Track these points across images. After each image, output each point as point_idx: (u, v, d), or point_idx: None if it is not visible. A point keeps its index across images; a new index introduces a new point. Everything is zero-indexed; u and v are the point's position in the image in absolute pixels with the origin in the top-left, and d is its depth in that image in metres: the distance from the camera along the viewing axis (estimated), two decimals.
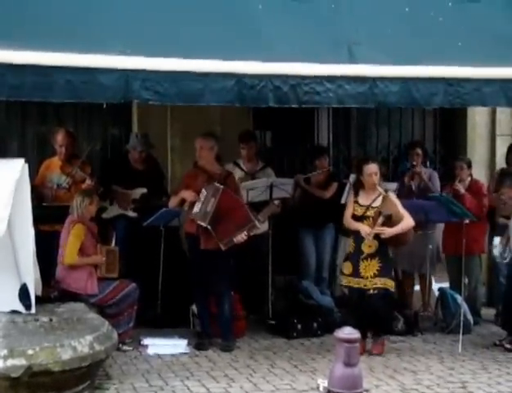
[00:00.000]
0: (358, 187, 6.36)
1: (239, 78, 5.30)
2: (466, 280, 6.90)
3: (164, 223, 6.83)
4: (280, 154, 8.16)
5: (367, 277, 6.18)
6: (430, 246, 7.22)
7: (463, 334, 6.52)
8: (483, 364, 6.05)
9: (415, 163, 7.32)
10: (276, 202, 7.10)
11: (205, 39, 5.55)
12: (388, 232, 6.12)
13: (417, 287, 7.58)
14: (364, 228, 6.17)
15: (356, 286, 6.23)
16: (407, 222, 6.18)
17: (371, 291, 6.16)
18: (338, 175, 7.73)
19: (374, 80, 5.52)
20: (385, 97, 5.56)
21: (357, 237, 6.24)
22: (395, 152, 8.32)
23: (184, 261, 6.90)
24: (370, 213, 6.23)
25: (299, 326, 6.82)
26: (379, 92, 5.53)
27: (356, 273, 6.22)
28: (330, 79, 5.43)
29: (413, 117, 8.36)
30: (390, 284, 6.23)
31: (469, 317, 7.00)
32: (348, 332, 5.06)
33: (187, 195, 6.28)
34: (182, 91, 5.12)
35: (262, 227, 6.92)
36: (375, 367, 5.92)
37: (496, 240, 6.53)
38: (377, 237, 6.16)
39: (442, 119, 8.39)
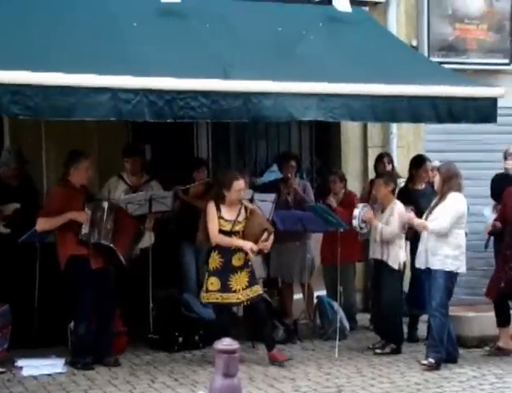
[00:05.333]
0: (219, 201, 6.32)
1: (114, 92, 5.29)
2: (341, 287, 7.14)
3: (40, 239, 6.65)
4: (160, 166, 8.15)
5: (239, 290, 6.26)
6: (308, 255, 7.43)
7: (339, 340, 6.76)
8: (358, 368, 6.28)
9: (289, 175, 7.50)
10: None
11: (79, 54, 5.52)
12: (269, 245, 6.31)
13: (296, 296, 7.77)
14: (248, 245, 6.21)
15: (226, 301, 6.28)
16: (272, 231, 6.35)
17: (246, 303, 6.28)
18: None
19: (248, 95, 5.65)
20: (259, 112, 5.70)
21: (226, 252, 6.27)
22: (273, 164, 8.49)
23: (61, 278, 6.74)
24: (239, 227, 6.32)
25: (181, 339, 6.83)
26: (253, 107, 5.66)
27: (225, 288, 6.25)
28: (205, 94, 5.52)
29: (290, 130, 8.57)
30: (260, 289, 6.39)
31: (346, 323, 7.25)
32: (226, 343, 5.12)
33: (79, 216, 6.06)
34: (54, 105, 5.05)
35: (150, 240, 6.97)
36: (255, 376, 6.02)
37: (356, 211, 6.69)
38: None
39: (317, 132, 8.64)
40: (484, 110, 6.59)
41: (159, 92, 5.40)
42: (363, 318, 7.80)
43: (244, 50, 6.12)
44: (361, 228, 6.71)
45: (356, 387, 5.76)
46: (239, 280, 6.26)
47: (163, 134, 7.78)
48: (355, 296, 7.79)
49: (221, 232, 6.28)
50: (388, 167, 7.70)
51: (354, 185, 8.07)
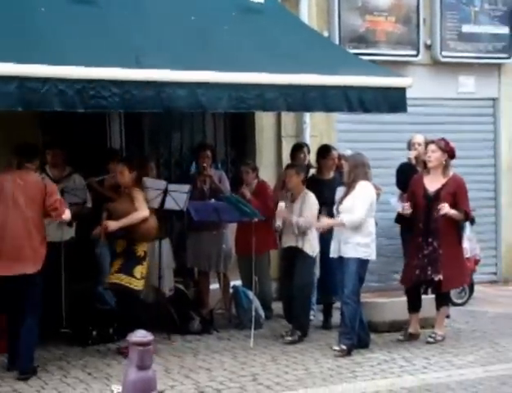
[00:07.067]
0: None
1: (21, 81, 5.13)
2: (256, 277, 7.18)
3: None
4: (74, 158, 7.97)
5: (112, 274, 6.45)
6: (224, 246, 7.45)
7: (255, 329, 6.81)
8: (273, 356, 6.35)
9: (205, 165, 7.50)
10: None
11: None
12: (109, 225, 6.34)
13: (212, 286, 7.78)
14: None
15: (109, 281, 6.52)
16: (134, 215, 6.31)
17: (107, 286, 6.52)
18: None
19: (161, 85, 5.59)
20: (172, 102, 5.66)
21: (114, 238, 6.52)
22: (187, 154, 8.47)
23: None
24: None
25: (95, 332, 6.74)
26: (166, 97, 5.61)
27: (111, 270, 6.52)
28: (117, 83, 5.43)
29: (204, 120, 8.55)
30: (125, 280, 6.37)
31: (261, 312, 7.31)
32: (140, 335, 5.08)
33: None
34: None
35: (69, 233, 6.97)
36: (170, 368, 6.00)
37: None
38: (127, 236, 6.35)
39: (232, 123, 8.65)
40: (394, 100, 6.75)
41: (69, 81, 5.28)
42: (278, 307, 7.87)
43: (157, 39, 6.05)
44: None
45: (270, 375, 5.83)
46: (115, 265, 6.45)
47: (75, 125, 7.61)
48: (270, 286, 7.86)
49: None
50: (307, 157, 7.77)
51: (268, 175, 8.13)
